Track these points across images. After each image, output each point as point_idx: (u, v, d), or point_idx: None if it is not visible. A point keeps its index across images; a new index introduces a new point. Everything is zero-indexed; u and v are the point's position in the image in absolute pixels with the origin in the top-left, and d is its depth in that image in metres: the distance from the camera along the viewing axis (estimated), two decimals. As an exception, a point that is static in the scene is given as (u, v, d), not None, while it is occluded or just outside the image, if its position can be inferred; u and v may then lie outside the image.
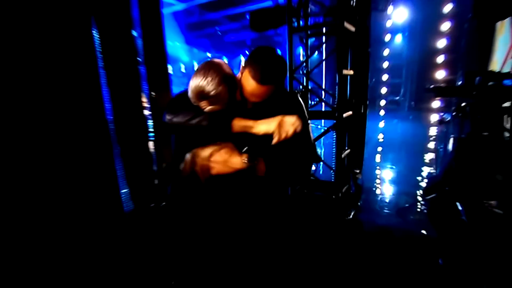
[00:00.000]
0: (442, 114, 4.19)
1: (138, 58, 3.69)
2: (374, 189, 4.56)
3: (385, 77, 9.44)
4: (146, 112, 3.56)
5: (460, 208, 3.06)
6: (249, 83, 1.17)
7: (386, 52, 9.43)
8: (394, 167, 5.76)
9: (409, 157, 6.33)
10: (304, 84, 3.54)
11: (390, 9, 8.14)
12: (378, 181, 5.03)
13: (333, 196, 3.19)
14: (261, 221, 1.36)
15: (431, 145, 6.68)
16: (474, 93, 3.32)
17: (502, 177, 2.94)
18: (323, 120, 4.77)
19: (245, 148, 1.27)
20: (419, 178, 4.97)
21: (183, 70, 12.67)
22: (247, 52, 12.74)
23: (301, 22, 3.30)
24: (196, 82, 1.19)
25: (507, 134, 3.13)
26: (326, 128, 3.26)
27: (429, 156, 6.05)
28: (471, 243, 2.82)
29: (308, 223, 3.10)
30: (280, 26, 3.46)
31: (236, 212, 1.34)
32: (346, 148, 3.47)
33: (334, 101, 3.34)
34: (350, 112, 3.35)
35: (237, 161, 1.21)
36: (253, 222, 1.35)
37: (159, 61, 3.67)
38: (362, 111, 3.79)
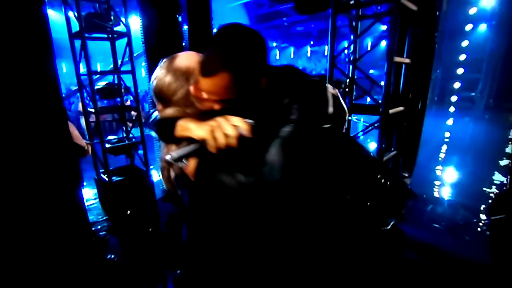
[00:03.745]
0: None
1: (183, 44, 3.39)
2: (425, 196, 3.59)
3: (460, 71, 7.59)
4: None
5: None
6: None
7: (465, 43, 7.50)
8: (457, 172, 4.55)
9: (478, 163, 4.88)
10: (350, 74, 2.80)
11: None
12: (434, 188, 3.98)
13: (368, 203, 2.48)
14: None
15: (509, 150, 5.13)
16: None
17: None
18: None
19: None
20: (488, 190, 3.78)
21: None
22: (312, 43, 11.93)
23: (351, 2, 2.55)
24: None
25: None
26: (367, 125, 2.51)
27: (503, 163, 4.62)
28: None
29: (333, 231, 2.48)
30: (329, 8, 2.75)
31: None
32: (392, 149, 2.68)
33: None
34: (401, 108, 2.51)
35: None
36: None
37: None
38: (420, 107, 2.88)
